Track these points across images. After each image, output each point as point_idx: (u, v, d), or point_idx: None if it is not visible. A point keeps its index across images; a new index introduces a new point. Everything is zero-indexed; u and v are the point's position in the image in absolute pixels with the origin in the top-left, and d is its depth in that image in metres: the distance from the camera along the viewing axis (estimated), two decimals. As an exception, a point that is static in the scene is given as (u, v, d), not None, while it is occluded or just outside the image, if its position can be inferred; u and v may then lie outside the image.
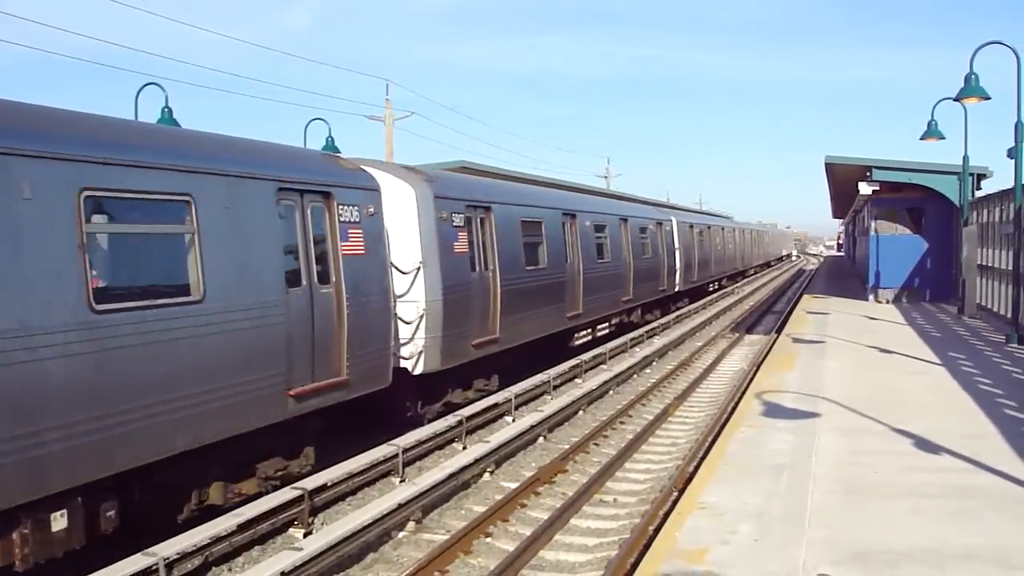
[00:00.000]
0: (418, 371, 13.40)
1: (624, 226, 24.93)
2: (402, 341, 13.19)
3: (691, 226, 35.87)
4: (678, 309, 32.72)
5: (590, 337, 24.25)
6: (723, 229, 46.95)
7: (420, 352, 13.36)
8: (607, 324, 25.17)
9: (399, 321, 12.94)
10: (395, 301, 12.63)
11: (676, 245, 31.60)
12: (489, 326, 15.37)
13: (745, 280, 55.90)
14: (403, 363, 13.16)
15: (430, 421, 13.31)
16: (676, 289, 31.93)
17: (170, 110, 20.56)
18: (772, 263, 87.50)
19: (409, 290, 13.33)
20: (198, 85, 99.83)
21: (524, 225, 17.36)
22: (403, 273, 13.24)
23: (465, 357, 14.50)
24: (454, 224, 14.31)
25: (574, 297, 20.19)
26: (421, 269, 13.35)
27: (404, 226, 13.39)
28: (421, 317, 13.32)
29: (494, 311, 15.55)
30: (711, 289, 43.18)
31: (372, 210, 11.85)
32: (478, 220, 15.50)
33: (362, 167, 12.53)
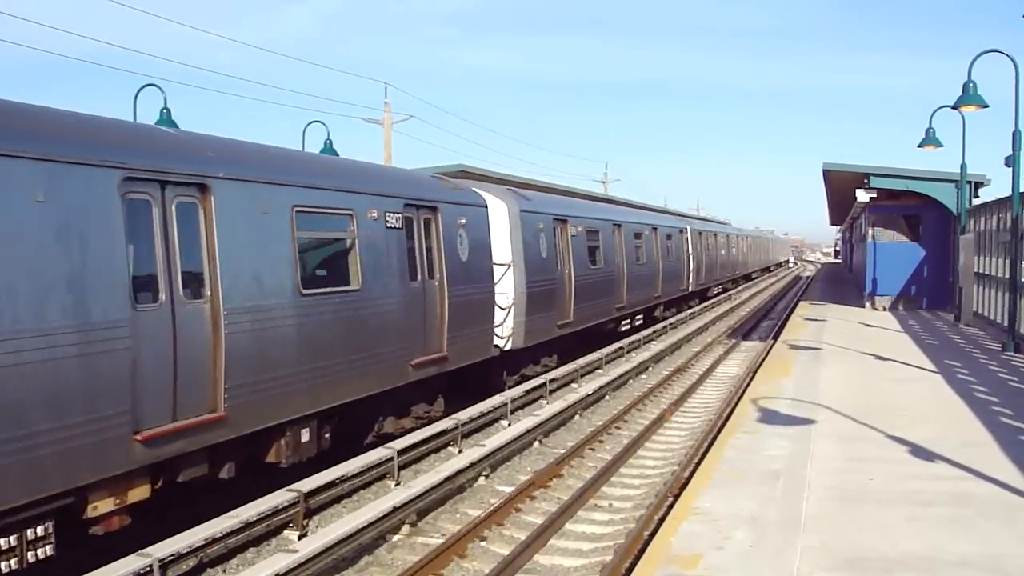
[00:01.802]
0: None
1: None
2: None
3: (563, 222, 19.94)
4: (526, 380, 17.53)
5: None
6: (655, 230, 29.63)
7: None
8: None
9: None
10: None
11: (510, 258, 17.04)
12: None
13: (703, 305, 38.41)
14: None
15: None
16: (507, 346, 16.90)
17: (168, 111, 20.55)
18: (754, 275, 66.76)
19: None
20: (197, 87, 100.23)
21: None
22: None
23: None
24: None
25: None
26: None
27: None
28: None
29: None
30: (624, 330, 25.71)
31: None
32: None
33: None
